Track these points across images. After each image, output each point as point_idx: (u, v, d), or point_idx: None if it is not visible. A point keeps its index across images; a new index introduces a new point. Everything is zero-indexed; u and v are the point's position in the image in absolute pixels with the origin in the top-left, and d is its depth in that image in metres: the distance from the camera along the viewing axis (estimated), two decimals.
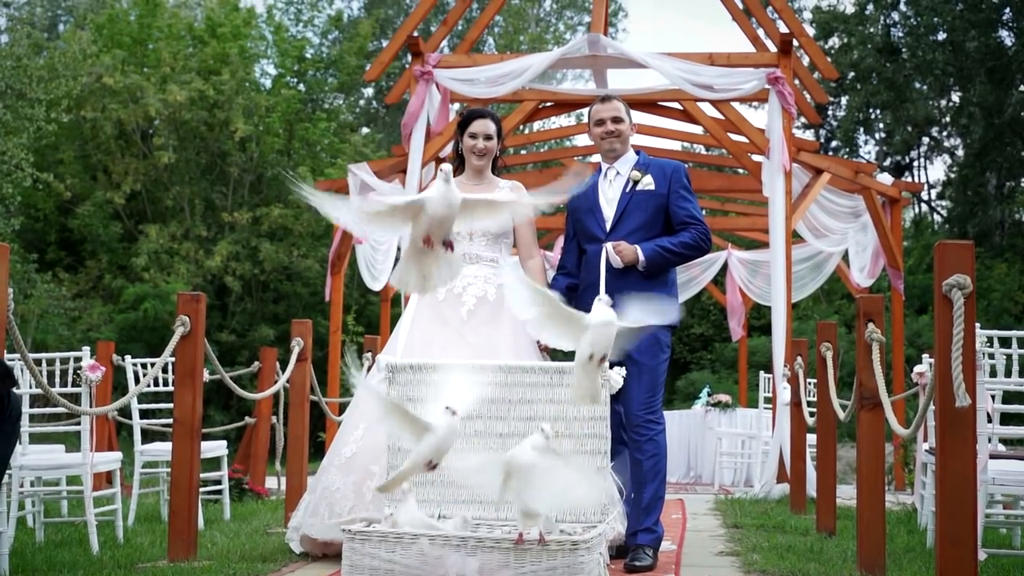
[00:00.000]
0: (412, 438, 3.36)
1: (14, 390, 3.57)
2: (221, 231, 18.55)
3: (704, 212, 6.69)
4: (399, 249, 4.11)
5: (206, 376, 5.06)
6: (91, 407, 4.76)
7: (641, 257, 4.37)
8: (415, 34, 8.91)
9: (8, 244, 4.06)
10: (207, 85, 17.91)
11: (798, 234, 9.67)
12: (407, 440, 3.40)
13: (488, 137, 4.65)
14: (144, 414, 6.39)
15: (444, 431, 3.32)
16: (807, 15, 24.94)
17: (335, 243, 10.50)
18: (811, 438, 6.75)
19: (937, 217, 25.39)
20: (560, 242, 8.95)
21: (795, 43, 8.65)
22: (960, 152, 24.32)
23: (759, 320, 17.72)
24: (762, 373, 9.73)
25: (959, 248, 3.21)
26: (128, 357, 6.16)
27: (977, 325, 3.48)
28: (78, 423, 4.94)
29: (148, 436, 7.48)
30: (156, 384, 6.13)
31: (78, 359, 4.88)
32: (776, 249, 8.21)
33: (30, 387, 4.84)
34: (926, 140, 25.71)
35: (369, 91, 24.88)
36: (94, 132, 18.35)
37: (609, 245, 4.40)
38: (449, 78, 8.69)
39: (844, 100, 25.09)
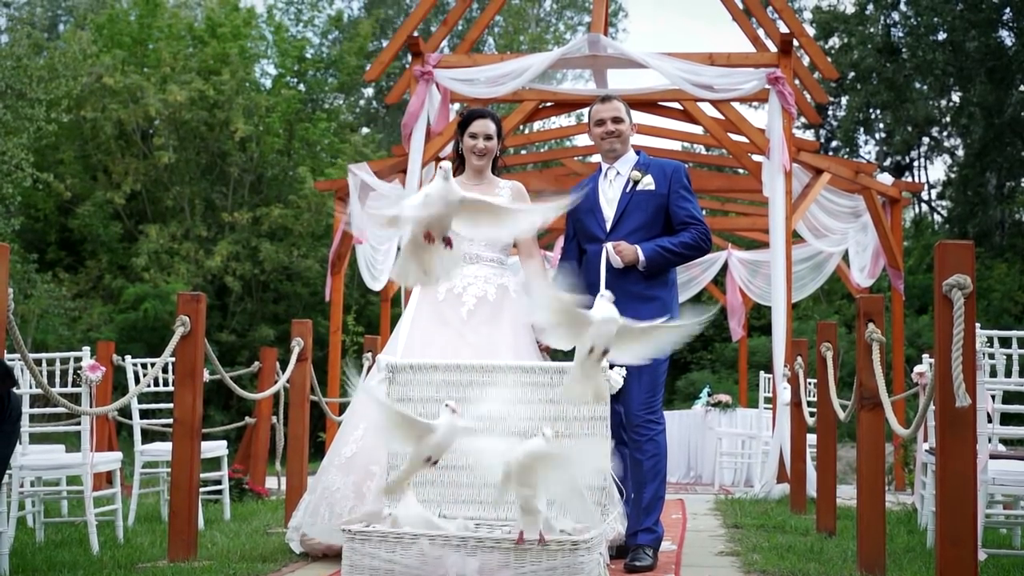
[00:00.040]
0: (414, 442, 3.37)
1: (14, 390, 3.57)
2: (221, 231, 18.56)
3: (704, 212, 6.72)
4: (399, 249, 4.10)
5: (206, 376, 5.06)
6: (91, 407, 4.76)
7: (641, 257, 4.37)
8: (415, 34, 8.91)
9: (8, 244, 4.06)
10: (207, 85, 17.92)
11: (798, 234, 9.67)
12: (409, 446, 3.41)
13: (488, 137, 4.65)
14: (144, 414, 6.39)
15: (445, 429, 3.34)
16: (807, 15, 24.97)
17: (335, 243, 10.50)
18: (811, 438, 6.75)
19: (937, 217, 25.39)
20: (560, 242, 8.95)
21: (795, 43, 8.65)
22: (960, 152, 24.33)
23: (759, 320, 17.72)
24: (762, 373, 9.73)
25: (959, 248, 3.21)
26: (128, 357, 6.16)
27: (977, 325, 3.47)
28: (78, 423, 4.94)
29: (148, 436, 7.48)
30: (156, 384, 6.13)
31: (78, 359, 4.88)
32: (776, 249, 8.21)
33: (30, 387, 4.84)
34: (926, 140, 25.71)
35: (369, 91, 24.89)
36: (94, 132, 18.35)
37: (609, 245, 4.40)
38: (449, 78, 8.68)
39: (844, 100, 25.09)
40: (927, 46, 22.83)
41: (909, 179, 24.62)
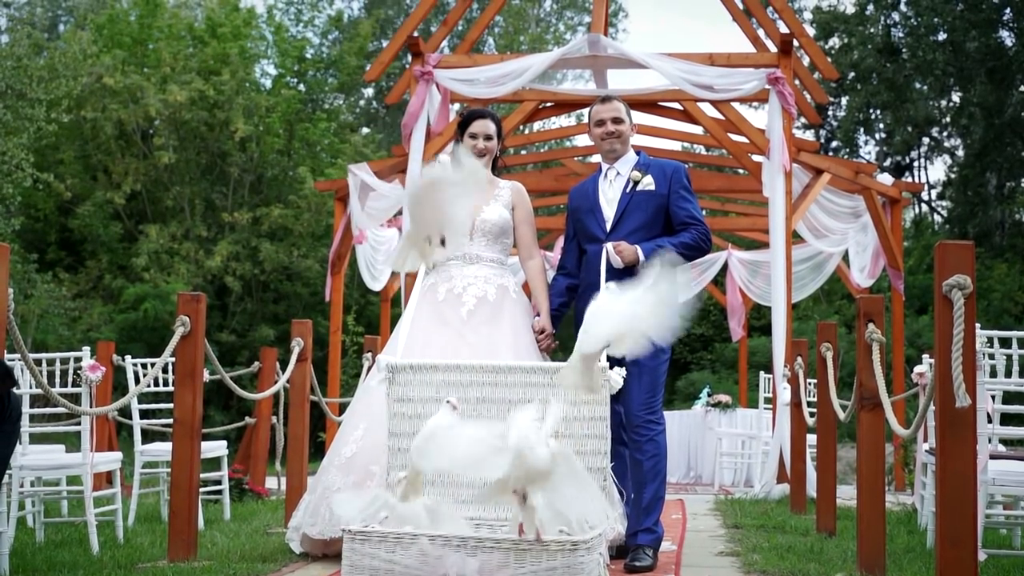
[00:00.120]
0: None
1: (14, 390, 3.57)
2: (221, 231, 18.56)
3: (704, 212, 6.69)
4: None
5: (206, 376, 5.06)
6: (91, 407, 4.76)
7: (641, 257, 4.37)
8: (415, 34, 8.90)
9: (8, 244, 4.06)
10: (207, 85, 17.92)
11: (798, 234, 9.67)
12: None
13: (488, 137, 4.65)
14: (144, 414, 6.39)
15: (427, 428, 3.39)
16: (807, 15, 24.97)
17: (335, 243, 10.50)
18: (811, 438, 6.75)
19: (937, 217, 25.39)
20: (560, 242, 8.96)
21: (795, 43, 8.65)
22: (960, 152, 24.32)
23: (759, 320, 17.72)
24: (762, 373, 9.72)
25: (959, 248, 3.21)
26: (128, 357, 6.16)
27: (977, 325, 3.47)
28: (78, 423, 4.94)
29: (148, 436, 7.49)
30: (156, 384, 6.13)
31: (78, 359, 4.88)
32: (776, 249, 8.21)
33: (30, 387, 4.84)
34: (926, 140, 25.71)
35: (369, 91, 24.89)
36: (94, 132, 18.36)
37: (609, 245, 4.40)
38: (449, 78, 8.68)
39: (844, 100, 25.09)
40: (927, 46, 22.83)
41: (909, 179, 24.62)
